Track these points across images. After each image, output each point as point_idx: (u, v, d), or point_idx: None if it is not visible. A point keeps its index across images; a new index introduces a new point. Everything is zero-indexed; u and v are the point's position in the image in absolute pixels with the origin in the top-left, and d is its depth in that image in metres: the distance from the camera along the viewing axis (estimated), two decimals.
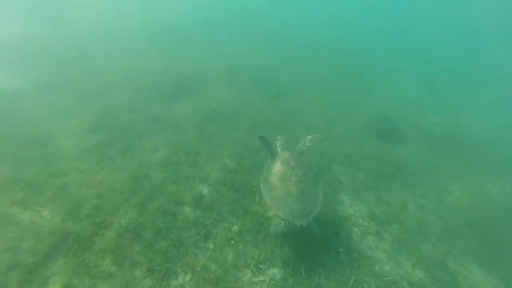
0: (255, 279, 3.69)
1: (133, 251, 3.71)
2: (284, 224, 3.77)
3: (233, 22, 16.92)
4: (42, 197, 4.41)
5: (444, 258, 4.51)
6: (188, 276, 3.56)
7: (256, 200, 5.04)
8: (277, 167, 4.10)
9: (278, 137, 4.91)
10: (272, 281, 3.68)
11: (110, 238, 3.78)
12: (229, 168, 5.66)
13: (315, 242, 4.30)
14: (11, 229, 3.85)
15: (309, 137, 4.86)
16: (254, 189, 5.21)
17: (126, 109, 7.24)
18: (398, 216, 5.24)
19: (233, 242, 4.15)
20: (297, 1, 26.61)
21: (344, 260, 4.17)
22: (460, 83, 13.52)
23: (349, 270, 4.01)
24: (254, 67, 10.60)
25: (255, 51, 12.75)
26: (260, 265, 3.85)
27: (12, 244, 3.63)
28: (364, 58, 14.13)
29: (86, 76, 8.98)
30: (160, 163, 5.47)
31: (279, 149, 4.76)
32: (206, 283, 3.51)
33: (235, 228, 4.36)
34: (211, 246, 4.00)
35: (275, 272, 3.81)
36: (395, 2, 31.25)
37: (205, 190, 5.03)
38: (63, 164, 5.16)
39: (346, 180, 6.01)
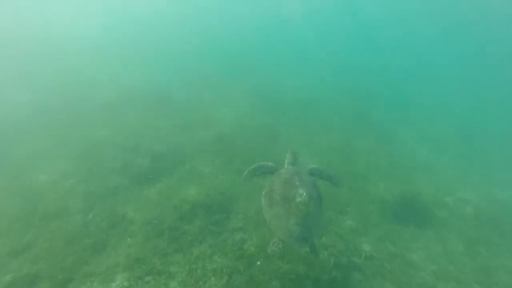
0: None
1: None
2: (282, 245, 3.81)
3: (220, 78, 16.52)
4: None
5: None
6: None
7: None
8: (282, 184, 4.06)
9: (289, 150, 5.02)
10: None
11: None
12: None
13: None
14: None
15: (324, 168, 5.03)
16: None
17: (77, 208, 5.88)
18: None
19: None
20: (287, 49, 26.64)
21: None
22: (480, 146, 12.93)
23: None
24: (247, 135, 9.72)
25: (247, 112, 12.01)
26: None
27: None
28: (365, 115, 13.78)
29: (27, 160, 7.37)
30: None
31: (286, 163, 4.85)
32: None
33: None
34: None
35: None
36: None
37: None
38: None
39: None
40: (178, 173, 7.35)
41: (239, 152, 8.49)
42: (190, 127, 9.96)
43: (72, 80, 13.63)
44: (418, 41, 37.29)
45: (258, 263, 5.07)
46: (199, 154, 8.22)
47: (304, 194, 3.73)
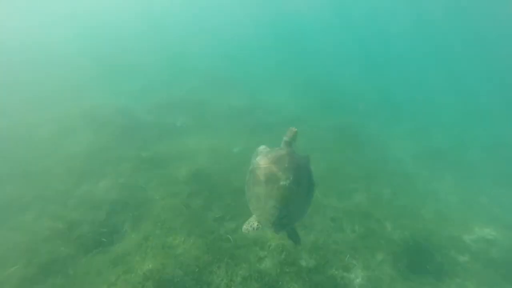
0: None
1: None
2: (257, 226, 3.66)
3: (194, 97, 14.98)
4: None
5: None
6: None
7: None
8: (270, 162, 3.79)
9: (289, 128, 4.52)
10: None
11: None
12: None
13: None
14: None
15: None
16: None
17: None
18: None
19: None
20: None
21: None
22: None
23: None
24: (228, 169, 8.10)
25: (226, 140, 10.41)
26: None
27: None
28: (355, 132, 12.90)
29: None
30: None
31: (282, 141, 4.50)
32: None
33: None
34: None
35: None
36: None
37: None
38: None
39: None
40: (142, 231, 5.89)
41: (218, 193, 7.16)
42: (159, 162, 8.48)
43: (16, 97, 11.81)
44: (407, 48, 37.53)
45: None
46: (169, 200, 6.80)
47: (291, 177, 3.53)
